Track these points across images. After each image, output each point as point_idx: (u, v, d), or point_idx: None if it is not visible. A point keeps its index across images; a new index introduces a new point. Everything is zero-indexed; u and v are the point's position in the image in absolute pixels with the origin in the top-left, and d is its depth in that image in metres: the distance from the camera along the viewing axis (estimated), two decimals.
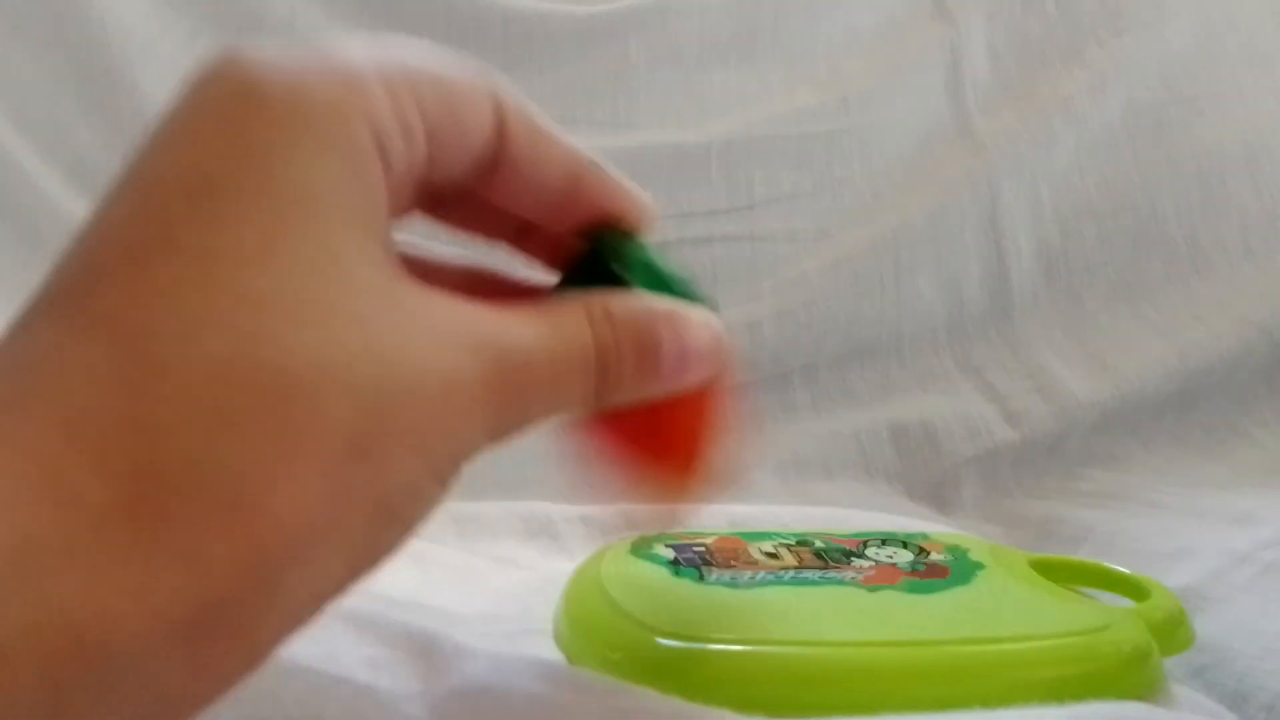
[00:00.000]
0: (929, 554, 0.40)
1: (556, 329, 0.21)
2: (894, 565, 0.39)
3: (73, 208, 0.69)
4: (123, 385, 0.16)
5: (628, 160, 0.75)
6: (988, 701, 0.29)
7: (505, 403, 0.20)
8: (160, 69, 0.73)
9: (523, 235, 0.27)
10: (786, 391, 0.72)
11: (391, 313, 0.18)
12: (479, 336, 0.19)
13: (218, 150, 0.17)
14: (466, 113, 0.21)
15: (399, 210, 0.21)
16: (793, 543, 0.43)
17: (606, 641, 0.33)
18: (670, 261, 0.26)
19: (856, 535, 0.44)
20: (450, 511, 0.53)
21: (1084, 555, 0.53)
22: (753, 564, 0.40)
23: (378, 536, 0.19)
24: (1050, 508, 0.62)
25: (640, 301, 0.23)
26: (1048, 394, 0.69)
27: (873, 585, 0.36)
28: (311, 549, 0.17)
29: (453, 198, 0.23)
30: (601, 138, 0.75)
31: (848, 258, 0.73)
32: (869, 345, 0.72)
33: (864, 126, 0.76)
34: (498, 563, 0.51)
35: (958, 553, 0.40)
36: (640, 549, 0.42)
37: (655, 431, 0.27)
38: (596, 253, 0.25)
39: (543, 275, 0.27)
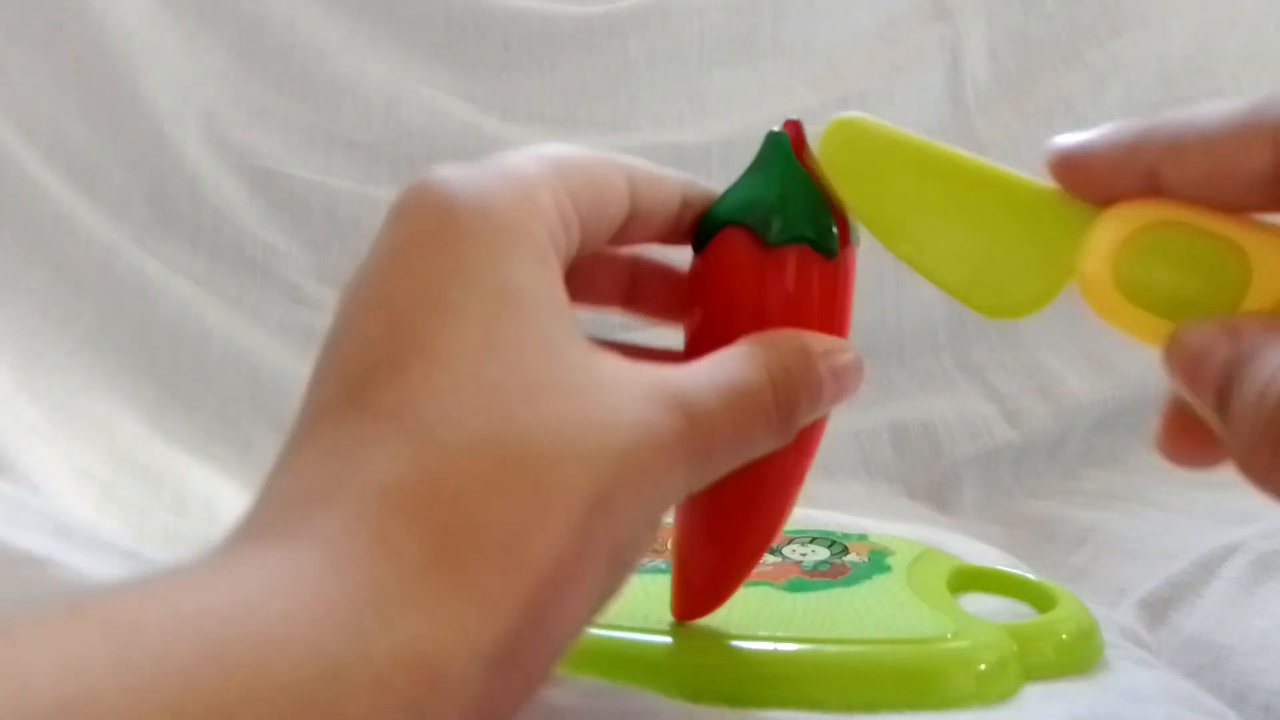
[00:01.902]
0: (847, 554, 0.40)
1: (735, 379, 0.24)
2: (796, 563, 0.39)
3: (73, 208, 0.69)
4: (416, 465, 0.20)
5: None
6: (802, 696, 0.30)
7: (698, 454, 0.23)
8: (160, 70, 0.73)
9: (631, 297, 0.31)
10: None
11: (600, 384, 0.22)
12: (670, 396, 0.23)
13: (437, 269, 0.22)
14: (608, 193, 0.26)
15: None
16: None
17: None
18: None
19: (801, 533, 0.44)
20: None
21: (1084, 555, 0.53)
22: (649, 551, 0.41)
23: (611, 581, 0.22)
24: (1050, 508, 0.62)
25: (798, 342, 0.27)
26: (1048, 394, 0.69)
27: (750, 581, 0.37)
28: (566, 591, 0.20)
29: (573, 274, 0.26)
30: (601, 138, 0.75)
31: None
32: (868, 346, 0.72)
33: None
34: None
35: (877, 556, 0.40)
36: None
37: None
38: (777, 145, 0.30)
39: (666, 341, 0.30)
